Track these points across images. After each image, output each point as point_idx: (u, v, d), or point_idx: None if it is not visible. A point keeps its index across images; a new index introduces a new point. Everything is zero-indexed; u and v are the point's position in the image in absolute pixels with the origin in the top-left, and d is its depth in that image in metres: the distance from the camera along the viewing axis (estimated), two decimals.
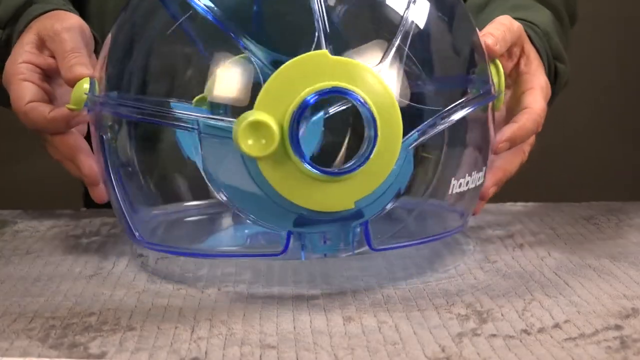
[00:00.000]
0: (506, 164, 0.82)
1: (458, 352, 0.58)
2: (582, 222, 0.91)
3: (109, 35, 0.74)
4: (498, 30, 0.80)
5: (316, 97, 0.63)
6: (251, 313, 0.66)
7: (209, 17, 0.67)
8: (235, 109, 0.66)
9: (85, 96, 0.73)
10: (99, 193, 0.77)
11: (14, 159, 1.94)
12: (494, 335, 0.61)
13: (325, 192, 0.65)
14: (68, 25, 0.78)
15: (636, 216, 0.93)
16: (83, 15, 0.99)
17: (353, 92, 0.64)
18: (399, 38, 0.68)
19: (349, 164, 0.65)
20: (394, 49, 0.67)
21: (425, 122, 0.68)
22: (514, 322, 0.63)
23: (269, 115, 0.63)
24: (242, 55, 0.67)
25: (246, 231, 0.72)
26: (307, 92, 0.63)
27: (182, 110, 0.67)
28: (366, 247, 0.69)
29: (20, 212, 0.95)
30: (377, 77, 0.65)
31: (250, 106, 0.64)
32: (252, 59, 0.65)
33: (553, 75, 0.90)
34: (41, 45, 0.79)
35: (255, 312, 0.66)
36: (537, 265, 0.76)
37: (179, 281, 0.73)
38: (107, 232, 0.87)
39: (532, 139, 0.84)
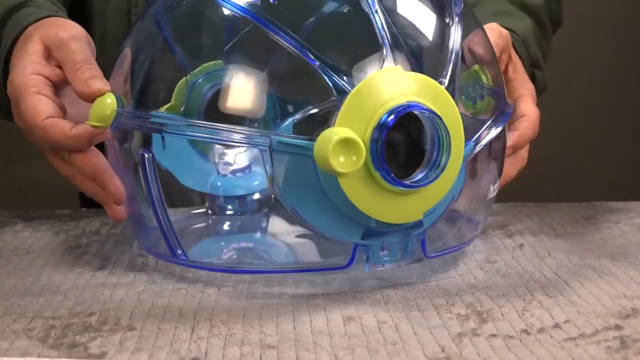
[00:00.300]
0: (507, 169, 0.83)
1: (458, 352, 0.58)
2: (582, 222, 0.91)
3: (128, 49, 0.74)
4: (490, 37, 0.81)
5: (395, 115, 0.64)
6: (251, 313, 0.66)
7: (276, 34, 0.67)
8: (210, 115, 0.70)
9: (112, 113, 0.70)
10: (120, 212, 0.74)
11: (14, 159, 1.94)
12: (494, 335, 0.61)
13: (399, 204, 0.66)
14: (74, 34, 0.75)
15: (636, 216, 0.93)
16: (85, 16, 0.99)
17: (429, 107, 0.65)
18: (454, 53, 0.70)
19: (423, 176, 0.66)
20: (451, 64, 0.69)
21: (479, 133, 0.71)
22: (514, 322, 0.63)
23: (352, 131, 0.64)
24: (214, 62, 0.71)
25: (222, 243, 0.73)
26: (385, 108, 0.64)
27: (161, 117, 0.70)
28: (420, 256, 0.71)
29: (20, 212, 0.95)
30: (444, 92, 0.67)
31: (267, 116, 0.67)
32: (325, 75, 0.66)
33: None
34: (47, 55, 0.75)
35: (255, 312, 0.66)
36: (537, 265, 0.77)
37: (179, 281, 0.73)
38: (107, 232, 0.87)
39: (528, 144, 0.85)
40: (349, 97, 0.65)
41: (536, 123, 0.83)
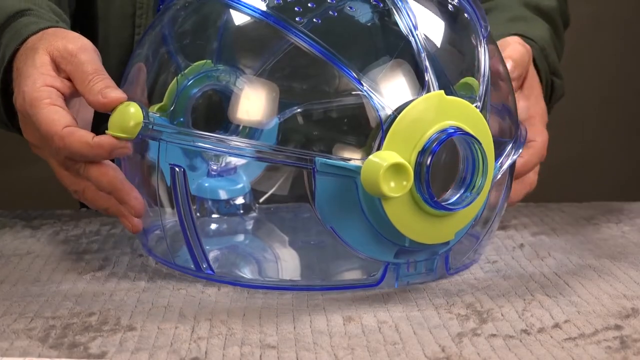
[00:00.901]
0: (514, 193, 0.82)
1: (458, 352, 0.58)
2: (582, 222, 0.91)
3: (141, 64, 0.74)
4: (517, 53, 0.80)
5: (439, 141, 0.65)
6: (251, 313, 0.66)
7: (338, 66, 0.68)
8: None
9: (137, 124, 0.69)
10: (138, 223, 0.73)
11: (14, 160, 1.94)
12: (494, 335, 0.61)
13: (435, 225, 0.68)
14: (81, 46, 0.74)
15: (636, 216, 0.93)
16: (88, 18, 0.98)
17: (470, 132, 0.66)
18: (485, 76, 0.71)
19: (458, 199, 0.68)
20: (484, 87, 0.70)
21: (502, 157, 0.73)
22: (514, 322, 0.63)
23: (400, 156, 0.65)
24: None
25: (207, 247, 0.72)
26: (429, 134, 0.66)
27: (161, 123, 0.71)
28: (442, 272, 0.73)
29: (20, 212, 0.95)
30: (480, 116, 0.68)
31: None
32: (370, 100, 0.67)
33: (549, 90, 0.91)
34: (56, 67, 0.74)
35: (255, 312, 0.66)
36: (537, 265, 0.77)
37: (179, 281, 0.73)
38: (107, 232, 0.87)
39: (537, 167, 0.85)
40: (396, 121, 0.65)
41: (543, 149, 0.83)
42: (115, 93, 0.70)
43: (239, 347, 0.59)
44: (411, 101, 0.66)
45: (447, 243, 0.70)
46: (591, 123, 2.05)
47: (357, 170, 0.65)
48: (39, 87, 0.72)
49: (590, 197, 1.02)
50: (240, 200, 0.82)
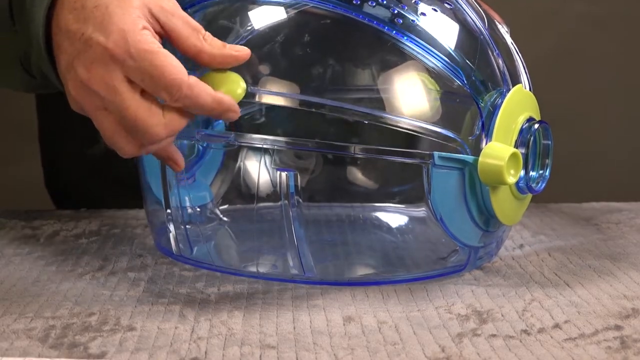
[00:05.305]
0: None
1: (458, 352, 0.58)
2: (582, 222, 0.91)
3: None
4: None
5: (533, 131, 0.70)
6: (251, 313, 0.66)
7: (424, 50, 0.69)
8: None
9: (243, 91, 0.66)
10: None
11: (14, 159, 1.94)
12: (494, 335, 0.61)
13: (517, 208, 0.73)
14: (174, 4, 0.66)
15: (636, 216, 0.93)
16: None
17: (546, 122, 0.71)
18: (523, 63, 0.75)
19: (540, 184, 0.71)
20: (527, 73, 0.74)
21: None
22: (514, 322, 0.63)
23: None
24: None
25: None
26: (519, 124, 0.70)
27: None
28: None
29: (20, 212, 0.95)
30: (536, 105, 0.73)
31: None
32: (474, 98, 0.69)
33: None
34: (150, 15, 0.65)
35: (255, 312, 0.66)
36: (537, 265, 0.77)
37: (179, 281, 0.73)
38: (107, 232, 0.87)
39: None
40: (500, 114, 0.68)
41: None
42: (241, 47, 0.66)
43: (238, 347, 0.59)
44: (502, 94, 0.69)
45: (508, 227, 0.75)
46: (591, 123, 2.05)
47: (472, 162, 0.67)
48: (141, 29, 0.64)
49: (590, 197, 1.02)
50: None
